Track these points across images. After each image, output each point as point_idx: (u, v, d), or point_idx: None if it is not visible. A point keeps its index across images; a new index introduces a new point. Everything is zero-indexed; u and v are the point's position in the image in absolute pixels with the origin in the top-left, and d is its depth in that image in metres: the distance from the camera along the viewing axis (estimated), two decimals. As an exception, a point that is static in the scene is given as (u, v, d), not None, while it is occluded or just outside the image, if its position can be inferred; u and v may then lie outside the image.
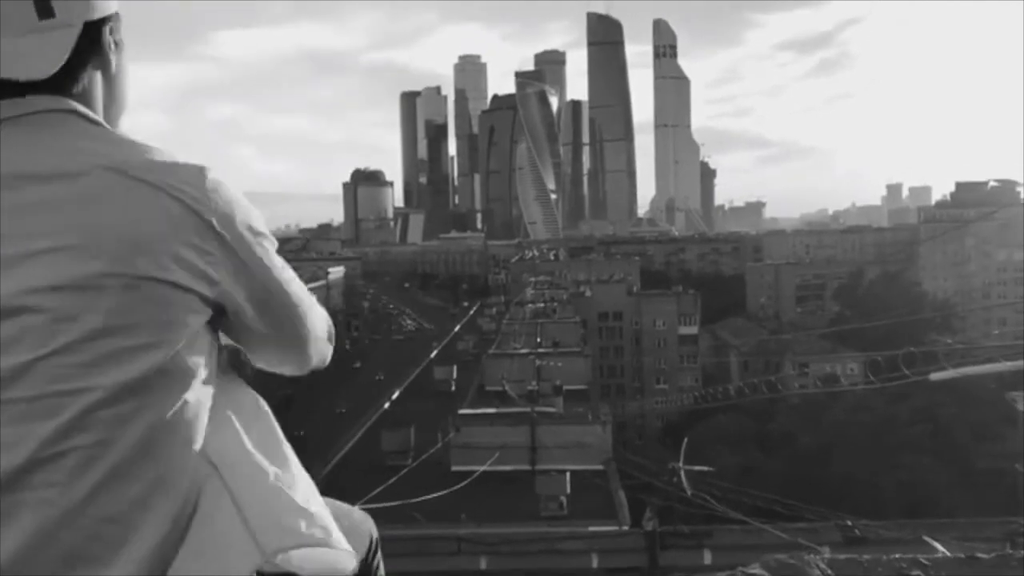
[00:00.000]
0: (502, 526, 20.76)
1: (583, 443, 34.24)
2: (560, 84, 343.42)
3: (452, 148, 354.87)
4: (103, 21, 1.23)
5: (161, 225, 1.14)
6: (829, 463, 46.99)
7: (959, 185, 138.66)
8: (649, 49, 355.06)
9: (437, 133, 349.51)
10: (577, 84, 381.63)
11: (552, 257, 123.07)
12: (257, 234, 1.24)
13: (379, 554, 1.58)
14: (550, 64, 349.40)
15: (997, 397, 52.26)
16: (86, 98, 1.23)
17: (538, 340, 50.13)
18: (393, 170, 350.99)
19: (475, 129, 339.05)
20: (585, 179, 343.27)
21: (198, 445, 1.22)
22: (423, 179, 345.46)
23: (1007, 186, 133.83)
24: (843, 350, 74.17)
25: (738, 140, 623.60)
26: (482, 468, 25.52)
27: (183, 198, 1.15)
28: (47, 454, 1.08)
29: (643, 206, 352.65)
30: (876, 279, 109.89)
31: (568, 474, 30.23)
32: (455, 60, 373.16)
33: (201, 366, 1.21)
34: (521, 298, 74.34)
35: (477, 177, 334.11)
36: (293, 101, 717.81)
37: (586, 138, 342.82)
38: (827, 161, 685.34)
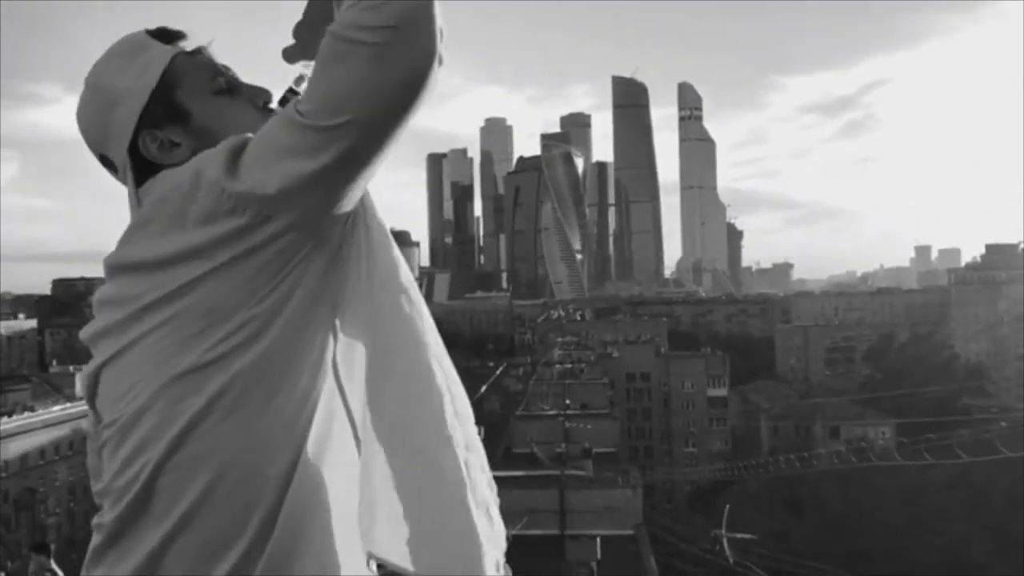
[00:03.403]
0: (532, 592, 20.51)
1: (613, 507, 33.86)
2: (586, 146, 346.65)
3: (478, 209, 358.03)
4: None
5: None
6: (865, 530, 46.13)
7: (989, 247, 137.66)
8: (674, 112, 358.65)
9: (463, 194, 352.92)
10: (602, 146, 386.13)
11: (578, 317, 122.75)
12: None
13: None
14: (576, 126, 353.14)
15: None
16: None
17: (566, 401, 49.80)
18: (419, 230, 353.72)
19: (501, 190, 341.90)
20: (611, 239, 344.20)
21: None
22: (449, 239, 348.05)
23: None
24: (874, 414, 73.24)
25: (765, 201, 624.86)
26: (511, 532, 25.26)
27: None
28: None
29: (670, 267, 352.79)
30: (907, 342, 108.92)
31: (599, 539, 29.88)
32: (481, 123, 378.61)
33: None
34: (548, 358, 74.17)
35: (502, 237, 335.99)
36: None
37: (612, 199, 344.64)
38: (855, 223, 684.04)
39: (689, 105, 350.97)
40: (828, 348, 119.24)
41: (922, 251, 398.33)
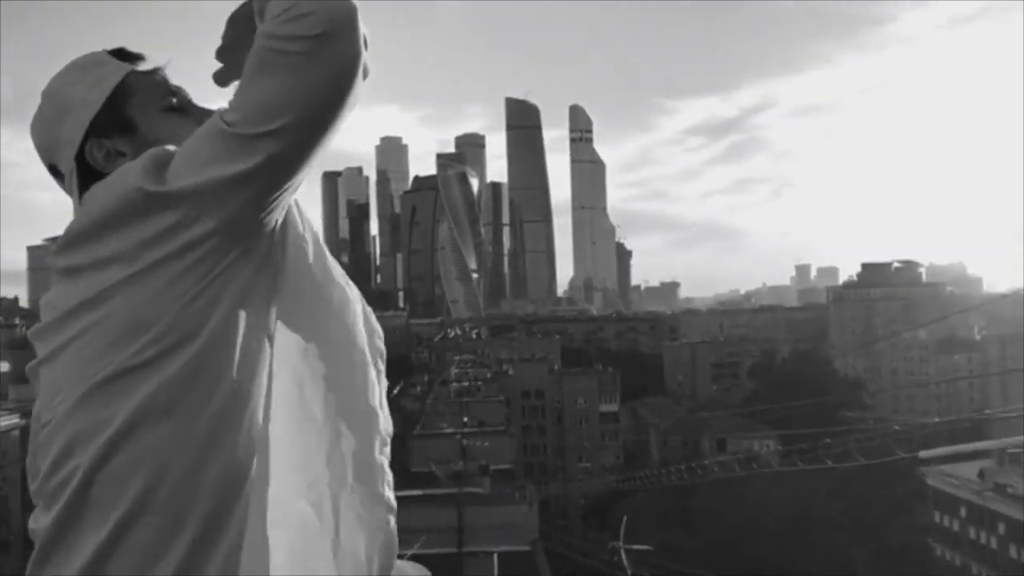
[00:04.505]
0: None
1: (510, 524, 34.12)
2: (480, 166, 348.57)
3: (374, 228, 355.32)
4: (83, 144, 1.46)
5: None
6: (751, 541, 47.57)
7: (864, 266, 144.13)
8: (566, 133, 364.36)
9: (359, 213, 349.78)
10: (497, 166, 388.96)
11: (474, 336, 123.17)
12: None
13: None
14: (470, 147, 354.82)
15: (907, 473, 53.81)
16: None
17: (464, 419, 50.06)
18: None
19: (397, 209, 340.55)
20: (506, 259, 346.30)
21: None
22: (345, 258, 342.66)
23: (910, 267, 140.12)
24: (759, 426, 75.56)
25: (653, 222, 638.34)
26: (408, 552, 25.15)
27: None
28: None
29: (562, 285, 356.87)
30: (788, 357, 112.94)
31: (496, 556, 30.08)
32: (376, 141, 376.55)
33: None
34: (445, 377, 74.28)
35: (399, 256, 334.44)
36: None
37: (506, 219, 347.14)
38: (738, 242, 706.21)
39: (580, 127, 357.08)
40: (714, 364, 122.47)
41: (802, 270, 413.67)
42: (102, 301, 1.25)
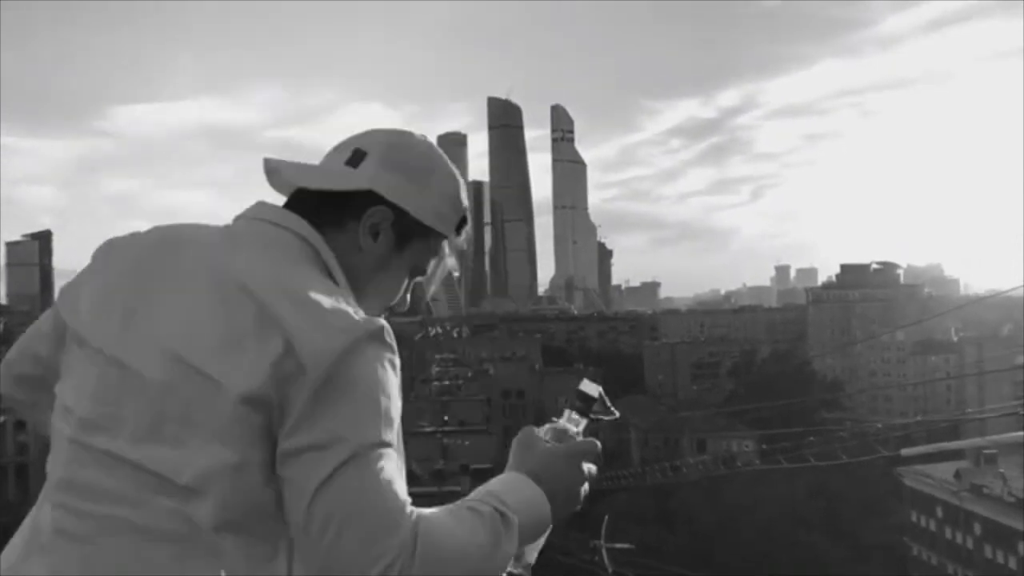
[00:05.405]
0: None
1: (491, 523, 34.14)
2: (462, 165, 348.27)
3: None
4: (381, 199, 1.36)
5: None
6: (730, 541, 47.76)
7: (843, 267, 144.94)
8: (547, 133, 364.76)
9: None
10: (478, 165, 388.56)
11: (455, 334, 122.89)
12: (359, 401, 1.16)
13: None
14: (452, 145, 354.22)
15: (884, 474, 54.21)
16: (341, 247, 1.34)
17: (444, 418, 50.07)
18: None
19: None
20: (487, 258, 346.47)
21: None
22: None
23: (888, 268, 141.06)
24: (739, 427, 75.87)
25: (634, 221, 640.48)
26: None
27: (290, 334, 1.14)
28: None
29: (543, 284, 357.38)
30: (768, 358, 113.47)
31: (476, 554, 30.10)
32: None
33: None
34: (426, 376, 74.10)
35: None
36: (193, 177, 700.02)
37: (488, 218, 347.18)
38: (718, 242, 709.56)
39: (561, 127, 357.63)
40: (694, 364, 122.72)
41: (781, 270, 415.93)
42: (186, 362, 1.17)
